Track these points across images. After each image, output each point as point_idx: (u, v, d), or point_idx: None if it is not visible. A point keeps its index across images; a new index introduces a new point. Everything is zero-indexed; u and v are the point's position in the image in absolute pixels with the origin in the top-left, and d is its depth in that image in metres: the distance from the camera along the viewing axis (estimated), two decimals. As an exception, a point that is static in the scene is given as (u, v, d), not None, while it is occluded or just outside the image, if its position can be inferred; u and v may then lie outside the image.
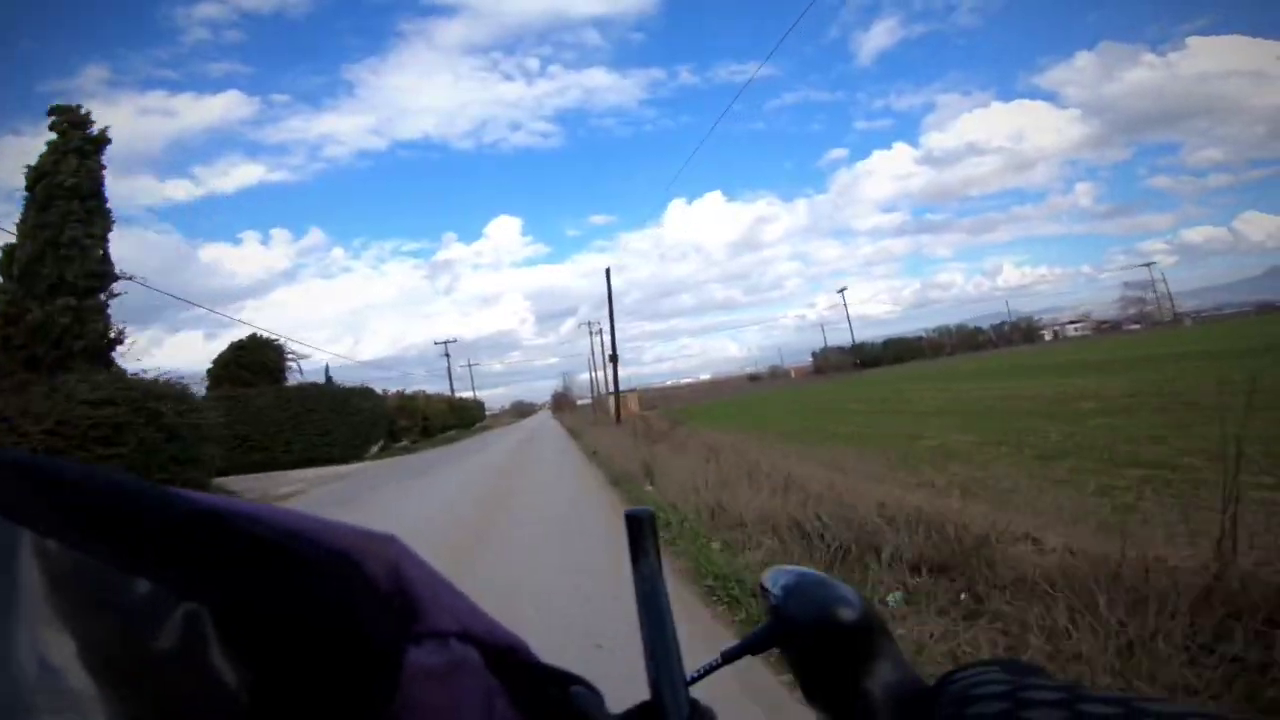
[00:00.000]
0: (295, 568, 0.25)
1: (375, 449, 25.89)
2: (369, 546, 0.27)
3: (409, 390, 39.90)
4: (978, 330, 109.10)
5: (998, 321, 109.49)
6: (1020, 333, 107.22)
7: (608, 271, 21.93)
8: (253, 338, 24.17)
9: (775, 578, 0.44)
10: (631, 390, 53.74)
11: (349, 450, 22.66)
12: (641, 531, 0.42)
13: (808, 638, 0.40)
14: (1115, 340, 56.79)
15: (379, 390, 31.63)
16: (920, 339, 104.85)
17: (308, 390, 23.44)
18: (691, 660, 0.38)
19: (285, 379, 24.16)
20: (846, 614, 0.40)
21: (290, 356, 24.90)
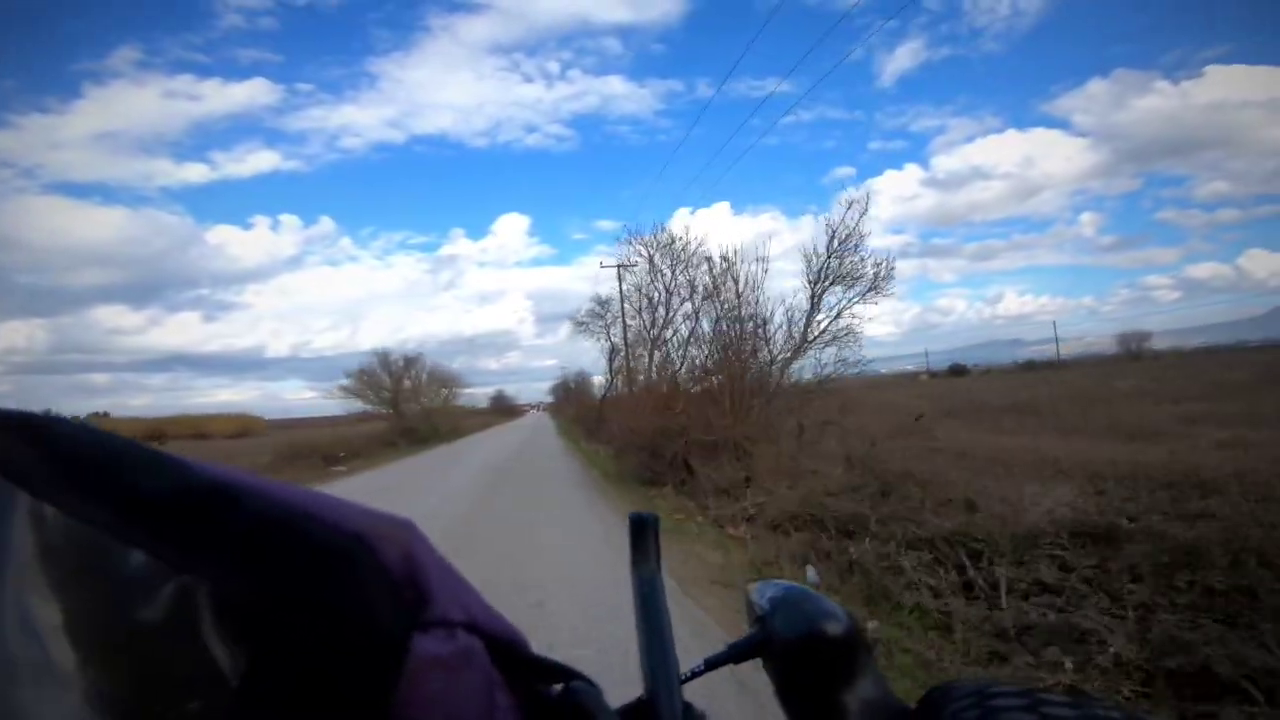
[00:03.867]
0: (307, 548, 0.24)
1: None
2: (384, 531, 0.26)
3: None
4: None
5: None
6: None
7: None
8: None
9: (762, 590, 0.45)
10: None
11: None
12: (644, 534, 0.43)
13: (792, 650, 0.41)
14: None
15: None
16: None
17: None
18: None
19: None
20: (833, 629, 0.40)
21: None
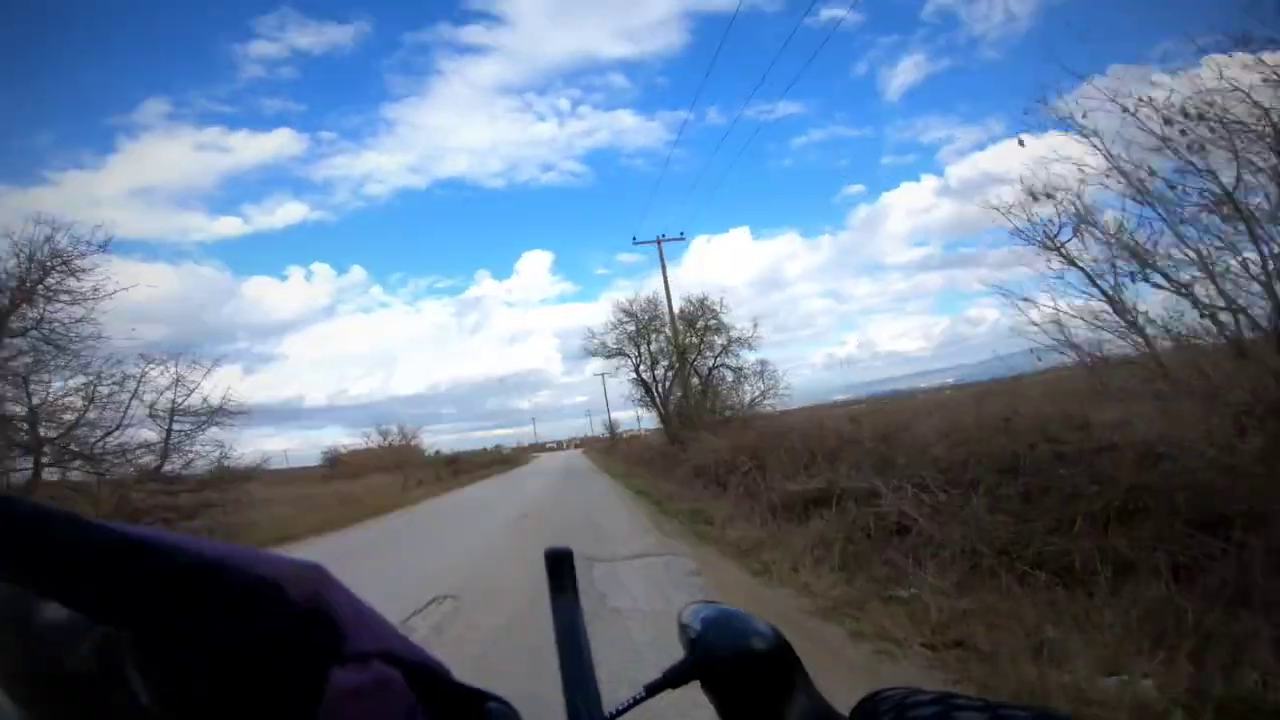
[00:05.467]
0: (219, 593, 0.26)
1: None
2: (293, 574, 0.28)
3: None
4: None
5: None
6: None
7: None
8: None
9: (694, 613, 0.46)
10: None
11: None
12: (560, 569, 0.46)
13: (726, 669, 0.42)
14: None
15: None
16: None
17: None
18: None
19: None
20: (761, 645, 0.41)
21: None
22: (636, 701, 0.42)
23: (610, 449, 41.07)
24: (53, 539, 0.25)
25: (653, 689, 0.43)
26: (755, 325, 19.57)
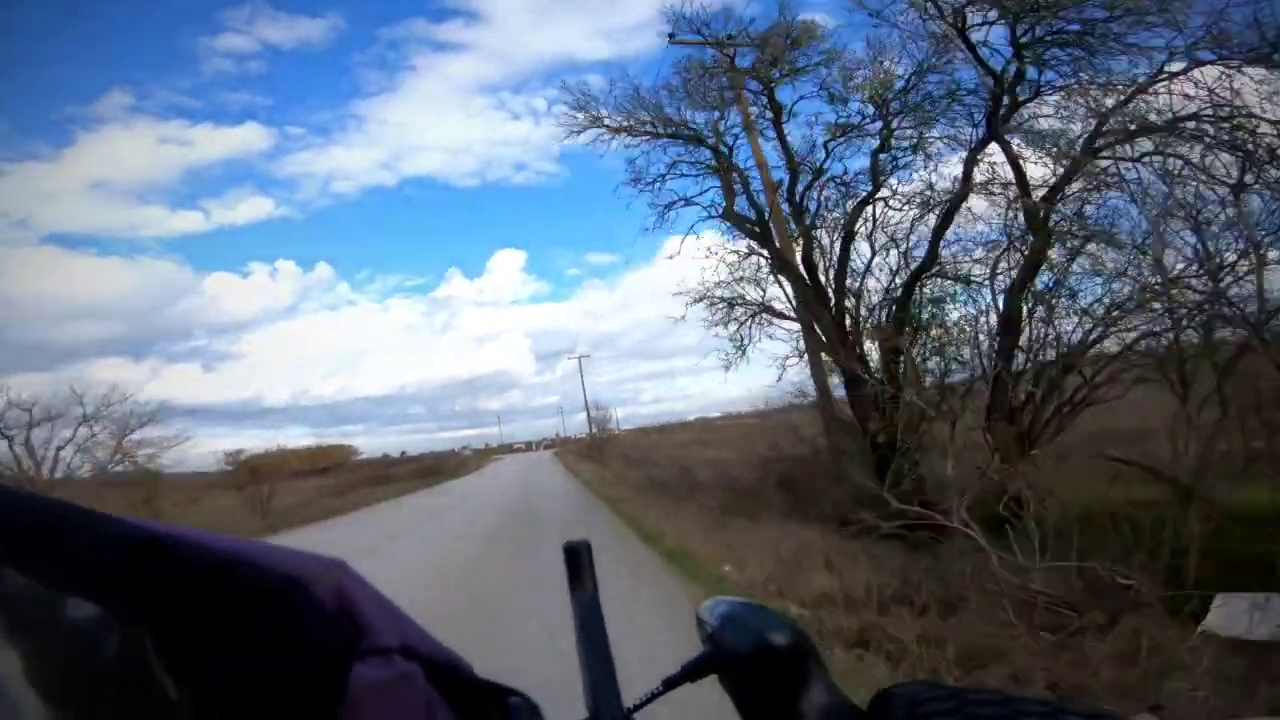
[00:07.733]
0: (244, 592, 0.26)
1: None
2: (315, 571, 0.29)
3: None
4: None
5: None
6: None
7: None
8: None
9: (713, 607, 0.46)
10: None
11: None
12: (579, 561, 0.45)
13: (744, 663, 0.42)
14: None
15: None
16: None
17: None
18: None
19: None
20: (779, 639, 0.41)
21: None
22: (655, 695, 0.43)
23: (594, 451, 31.44)
24: (72, 535, 0.25)
25: (670, 683, 0.43)
26: None
